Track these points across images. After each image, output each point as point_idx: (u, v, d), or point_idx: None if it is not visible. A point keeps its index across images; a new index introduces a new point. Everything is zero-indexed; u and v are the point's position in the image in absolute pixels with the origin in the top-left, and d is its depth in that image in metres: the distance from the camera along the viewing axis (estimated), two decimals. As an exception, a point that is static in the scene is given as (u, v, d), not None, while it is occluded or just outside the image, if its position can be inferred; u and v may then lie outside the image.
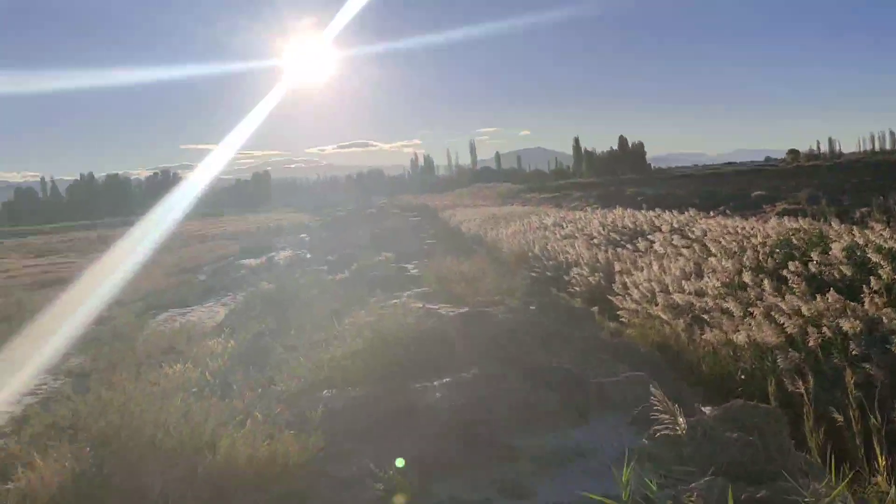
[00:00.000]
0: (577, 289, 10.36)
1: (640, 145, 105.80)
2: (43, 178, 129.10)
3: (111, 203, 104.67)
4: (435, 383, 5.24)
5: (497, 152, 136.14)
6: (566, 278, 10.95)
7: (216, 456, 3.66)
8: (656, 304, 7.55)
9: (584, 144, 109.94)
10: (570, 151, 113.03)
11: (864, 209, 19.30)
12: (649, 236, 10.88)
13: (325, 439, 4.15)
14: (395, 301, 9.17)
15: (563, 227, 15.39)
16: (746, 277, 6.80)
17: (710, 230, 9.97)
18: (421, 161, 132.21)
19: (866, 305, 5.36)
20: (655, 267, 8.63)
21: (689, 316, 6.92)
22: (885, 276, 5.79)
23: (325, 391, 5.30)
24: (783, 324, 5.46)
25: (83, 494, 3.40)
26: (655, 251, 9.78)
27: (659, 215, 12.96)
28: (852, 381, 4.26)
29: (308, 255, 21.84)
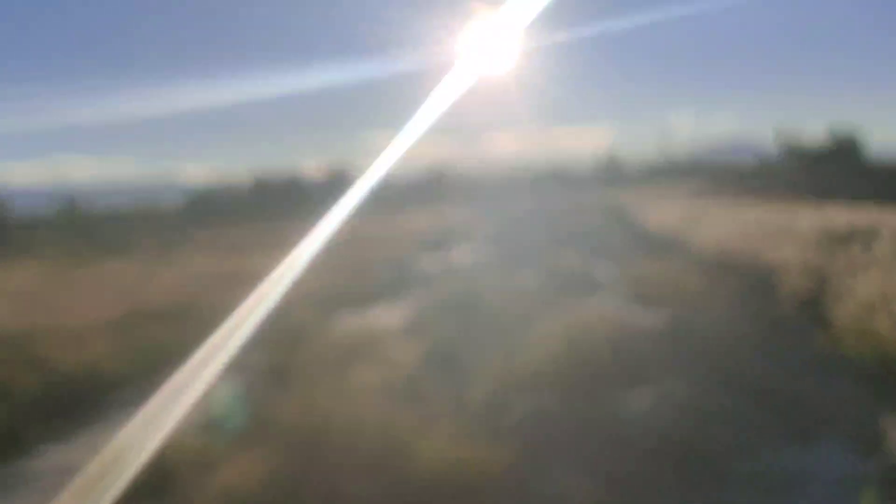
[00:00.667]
0: (791, 295, 9.93)
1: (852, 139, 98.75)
2: (224, 173, 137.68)
3: (287, 198, 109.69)
4: (637, 394, 5.21)
5: (692, 142, 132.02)
6: (779, 284, 10.51)
7: (413, 460, 3.82)
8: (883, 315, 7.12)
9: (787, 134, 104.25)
10: (771, 141, 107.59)
11: None
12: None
13: (522, 449, 4.23)
14: (587, 304, 9.16)
15: (770, 227, 14.79)
16: None
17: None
18: (607, 152, 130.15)
19: None
20: (883, 274, 8.13)
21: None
22: None
23: (519, 398, 5.39)
24: None
25: (285, 493, 3.64)
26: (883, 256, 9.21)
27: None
28: None
29: (488, 255, 22.10)
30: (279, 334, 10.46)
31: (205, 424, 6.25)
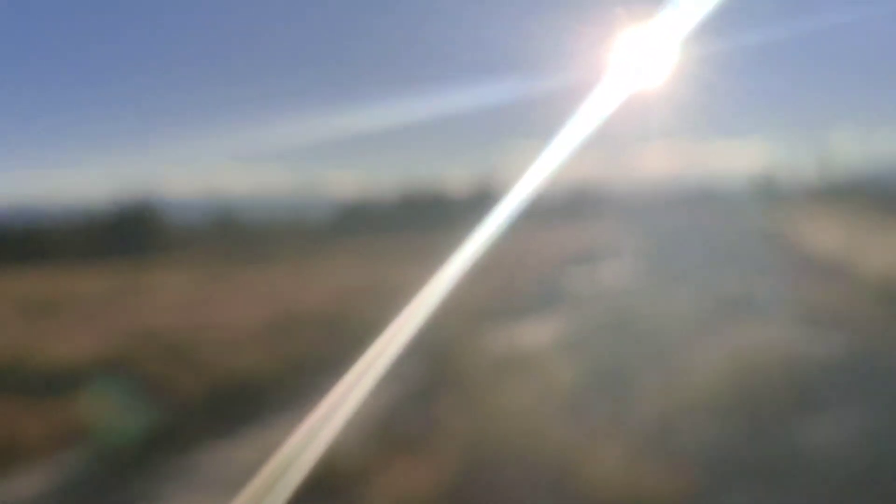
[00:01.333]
0: None
1: None
2: (368, 187, 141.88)
3: (433, 211, 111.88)
4: (816, 423, 4.94)
5: (857, 160, 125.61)
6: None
7: (578, 479, 3.75)
8: None
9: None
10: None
11: None
12: None
13: (701, 475, 4.08)
14: (753, 328, 8.83)
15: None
16: None
17: None
18: (764, 168, 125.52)
19: None
20: None
21: None
22: None
23: (689, 422, 5.22)
24: None
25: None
26: None
27: None
28: None
29: (640, 273, 21.72)
30: (431, 347, 10.57)
31: (365, 433, 6.35)
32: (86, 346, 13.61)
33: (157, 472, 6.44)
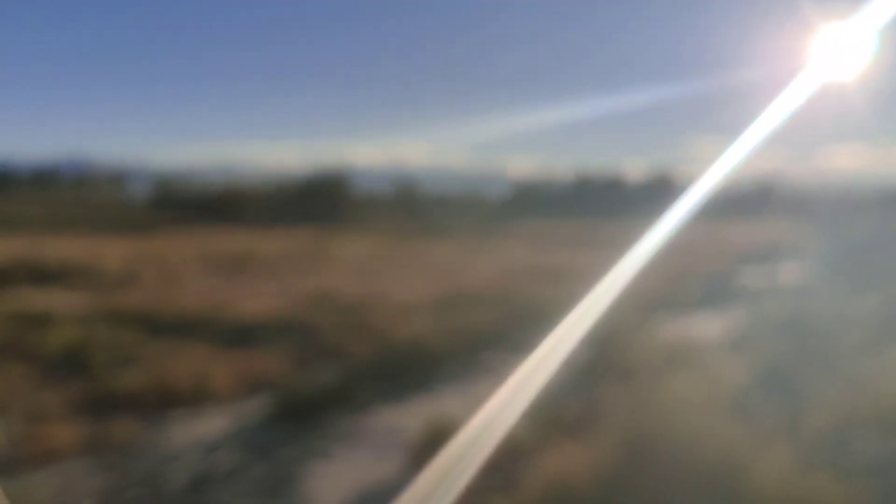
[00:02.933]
0: None
1: None
2: (547, 171, 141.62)
3: (608, 199, 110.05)
4: None
5: None
6: None
7: (746, 482, 3.62)
8: None
9: None
10: None
11: None
12: None
13: (878, 493, 3.84)
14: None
15: None
16: None
17: None
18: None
19: None
20: None
21: None
22: None
23: (865, 435, 4.92)
24: None
25: (613, 491, 3.60)
26: None
27: None
28: None
29: (820, 274, 20.63)
30: (600, 334, 10.42)
31: (533, 411, 6.35)
32: (270, 304, 14.32)
33: (326, 429, 6.68)
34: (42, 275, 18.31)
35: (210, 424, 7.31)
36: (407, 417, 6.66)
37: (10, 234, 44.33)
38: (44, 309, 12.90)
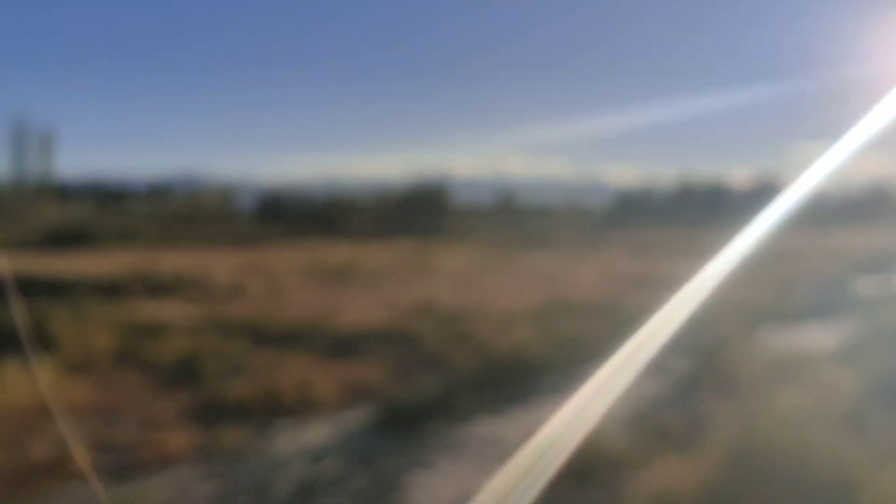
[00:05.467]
0: None
1: None
2: (645, 179, 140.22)
3: (708, 206, 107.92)
4: None
5: None
6: None
7: (859, 498, 3.45)
8: None
9: None
10: None
11: None
12: None
13: None
14: None
15: None
16: None
17: None
18: None
19: None
20: None
21: None
22: None
23: None
24: None
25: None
26: None
27: None
28: None
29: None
30: (699, 342, 10.20)
31: (629, 423, 6.25)
32: (373, 315, 14.50)
33: (428, 439, 6.70)
34: (155, 287, 19.00)
35: (314, 433, 7.43)
36: (505, 428, 6.63)
37: (126, 248, 46.27)
38: (157, 320, 13.39)
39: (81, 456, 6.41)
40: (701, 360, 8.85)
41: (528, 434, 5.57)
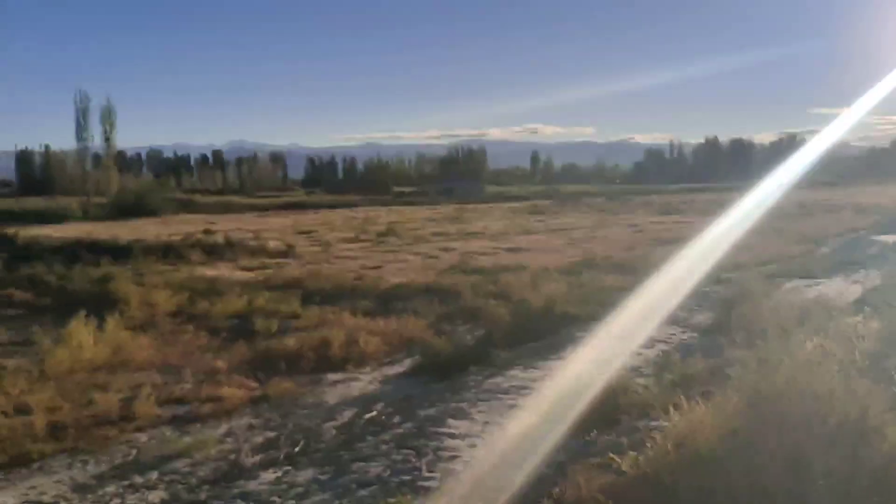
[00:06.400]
0: None
1: None
2: (671, 141, 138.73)
3: (734, 166, 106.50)
4: None
5: None
6: None
7: (881, 443, 3.40)
8: None
9: None
10: None
11: None
12: None
13: None
14: None
15: None
16: None
17: None
18: None
19: None
20: None
21: None
22: None
23: None
24: None
25: (738, 449, 3.47)
26: None
27: None
28: None
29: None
30: (731, 296, 10.07)
31: (656, 370, 6.22)
32: (416, 273, 14.58)
33: (464, 388, 6.71)
34: (211, 250, 19.22)
35: (360, 384, 7.51)
36: (537, 375, 6.62)
37: (185, 213, 46.82)
38: (212, 281, 13.56)
39: (146, 408, 6.56)
40: (726, 311, 8.75)
41: (554, 381, 5.56)
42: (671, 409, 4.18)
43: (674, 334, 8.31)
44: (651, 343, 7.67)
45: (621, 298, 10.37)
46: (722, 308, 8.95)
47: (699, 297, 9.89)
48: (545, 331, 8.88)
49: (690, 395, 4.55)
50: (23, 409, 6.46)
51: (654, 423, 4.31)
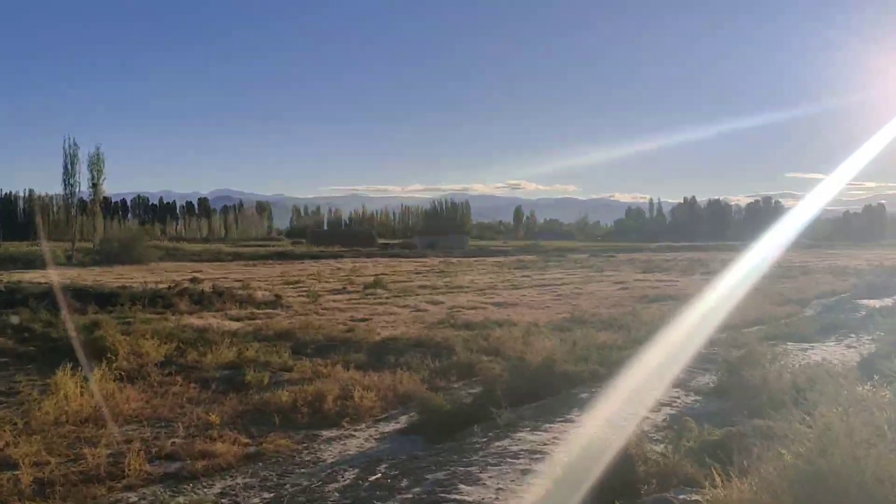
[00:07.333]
0: None
1: None
2: (651, 200, 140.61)
3: (711, 227, 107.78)
4: None
5: None
6: None
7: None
8: None
9: None
10: None
11: None
12: None
13: None
14: None
15: None
16: None
17: None
18: None
19: None
20: None
21: None
22: None
23: None
24: None
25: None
26: None
27: None
28: None
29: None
30: (722, 357, 9.87)
31: (667, 436, 5.98)
32: (406, 325, 14.31)
33: (469, 449, 6.42)
34: (198, 298, 18.88)
35: (358, 440, 7.21)
36: (545, 438, 6.34)
37: (170, 260, 46.40)
38: (201, 330, 13.23)
39: (136, 464, 6.23)
40: (729, 374, 8.52)
41: (565, 445, 5.28)
42: (695, 482, 3.96)
43: (678, 397, 8.06)
44: (657, 406, 7.42)
45: (617, 357, 10.18)
46: (724, 371, 8.72)
47: (696, 358, 9.67)
48: (546, 390, 8.61)
49: (714, 465, 4.32)
50: (8, 463, 6.12)
51: (681, 497, 4.06)
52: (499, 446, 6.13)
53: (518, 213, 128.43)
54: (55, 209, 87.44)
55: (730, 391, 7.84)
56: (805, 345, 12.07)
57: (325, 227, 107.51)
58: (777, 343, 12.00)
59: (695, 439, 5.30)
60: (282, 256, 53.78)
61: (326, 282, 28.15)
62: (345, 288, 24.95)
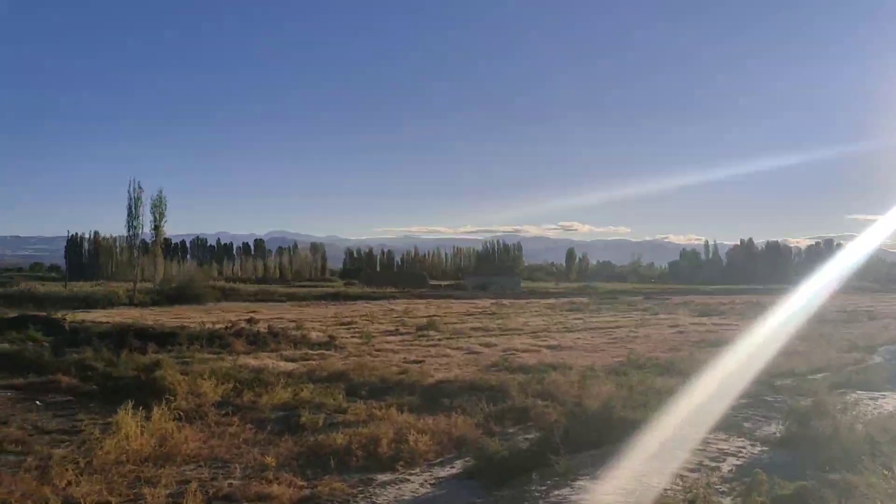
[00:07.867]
0: None
1: None
2: (707, 242, 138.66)
3: (769, 269, 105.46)
4: None
5: None
6: None
7: None
8: None
9: None
10: None
11: None
12: None
13: None
14: None
15: None
16: None
17: None
18: None
19: None
20: None
21: None
22: None
23: None
24: None
25: None
26: None
27: None
28: None
29: None
30: (787, 404, 9.54)
31: (731, 487, 5.74)
32: (462, 368, 14.17)
33: (527, 497, 6.27)
34: (255, 338, 19.03)
35: (412, 485, 7.11)
36: (607, 488, 6.16)
37: (226, 301, 47.03)
38: (257, 369, 13.30)
39: (195, 505, 6.22)
40: (797, 424, 8.18)
41: (628, 497, 5.09)
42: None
43: (743, 447, 7.76)
44: (721, 456, 7.16)
45: (676, 403, 9.90)
46: (791, 420, 8.39)
47: (760, 406, 9.37)
48: (605, 436, 8.40)
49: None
50: (71, 503, 6.17)
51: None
52: (558, 495, 5.97)
53: (570, 254, 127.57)
54: (118, 250, 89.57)
55: (798, 442, 7.53)
56: (875, 394, 11.59)
57: (378, 268, 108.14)
58: (845, 391, 11.56)
59: (766, 494, 5.08)
60: (335, 297, 54.09)
61: (379, 323, 28.18)
62: (398, 329, 24.92)
